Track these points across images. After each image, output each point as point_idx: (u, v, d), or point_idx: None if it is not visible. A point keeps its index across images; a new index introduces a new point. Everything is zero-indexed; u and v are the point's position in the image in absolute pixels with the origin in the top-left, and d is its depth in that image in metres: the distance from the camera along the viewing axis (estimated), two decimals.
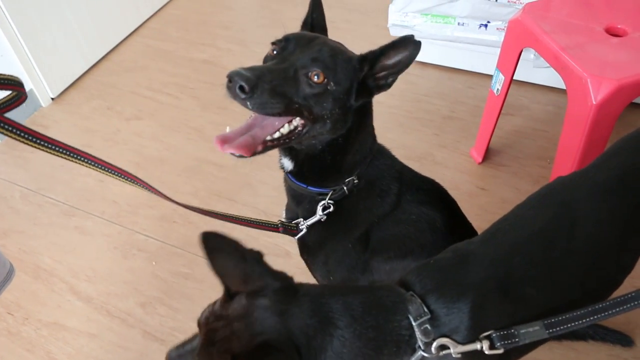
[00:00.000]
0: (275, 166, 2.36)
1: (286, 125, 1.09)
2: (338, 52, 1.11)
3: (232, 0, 3.43)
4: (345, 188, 1.23)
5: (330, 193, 1.24)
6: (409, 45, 1.11)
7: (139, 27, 3.26)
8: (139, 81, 2.91)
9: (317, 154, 1.19)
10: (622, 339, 1.68)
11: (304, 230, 1.29)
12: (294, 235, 1.31)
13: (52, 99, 2.87)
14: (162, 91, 2.83)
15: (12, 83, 0.89)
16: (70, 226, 2.28)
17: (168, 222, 2.22)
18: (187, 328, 1.89)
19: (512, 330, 0.90)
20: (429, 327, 0.90)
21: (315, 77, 1.07)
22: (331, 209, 1.24)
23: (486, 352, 0.89)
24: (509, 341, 0.90)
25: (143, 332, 1.91)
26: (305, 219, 1.29)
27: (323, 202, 1.24)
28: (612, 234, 1.07)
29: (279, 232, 1.30)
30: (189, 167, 2.43)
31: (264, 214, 2.16)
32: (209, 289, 1.95)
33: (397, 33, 2.53)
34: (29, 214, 2.35)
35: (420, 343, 0.90)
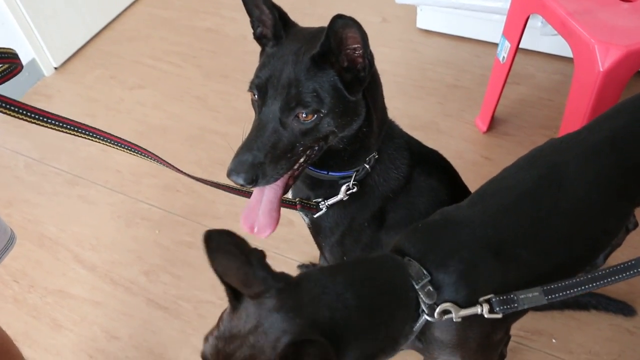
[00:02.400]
0: None
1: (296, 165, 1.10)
2: (310, 73, 1.04)
3: None
4: (367, 166, 1.21)
5: (355, 174, 1.21)
6: (345, 24, 0.99)
7: None
8: (141, 50, 2.88)
9: (342, 148, 1.16)
10: (624, 309, 1.68)
11: (324, 210, 1.26)
12: (313, 214, 1.28)
13: (55, 68, 2.85)
14: (165, 60, 2.80)
15: (5, 56, 0.88)
16: (74, 195, 2.29)
17: (171, 191, 2.21)
18: (190, 296, 1.90)
19: (512, 296, 0.91)
20: (431, 289, 0.91)
21: (303, 115, 1.04)
22: (355, 190, 1.21)
23: (485, 316, 0.91)
24: (508, 306, 0.91)
25: (147, 299, 1.92)
26: (326, 199, 1.26)
27: (347, 184, 1.21)
28: (598, 196, 1.08)
29: (296, 209, 1.27)
30: (192, 135, 2.42)
31: None
32: None
33: (402, 1, 2.49)
34: (33, 183, 2.36)
35: (424, 307, 0.90)
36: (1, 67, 0.91)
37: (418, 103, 2.39)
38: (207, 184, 1.26)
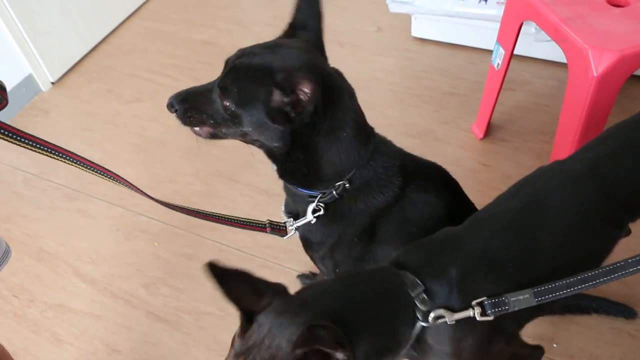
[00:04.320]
0: None
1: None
2: (247, 75, 1.10)
3: None
4: (334, 192, 1.20)
5: (319, 196, 1.21)
6: (308, 78, 1.03)
7: (137, 9, 3.23)
8: (138, 63, 2.89)
9: (285, 162, 1.19)
10: (625, 312, 1.68)
11: (293, 232, 1.29)
12: (282, 235, 1.31)
13: (52, 83, 2.86)
14: (162, 73, 2.81)
15: None
16: (73, 209, 2.29)
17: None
18: (191, 308, 1.90)
19: (503, 298, 0.94)
20: (425, 297, 0.95)
21: (225, 103, 1.13)
22: (321, 212, 1.22)
23: (477, 319, 0.93)
24: (500, 308, 0.94)
25: (147, 312, 1.92)
26: (295, 219, 1.29)
27: (312, 205, 1.22)
28: (581, 223, 1.10)
29: (266, 232, 1.31)
30: (190, 148, 2.41)
31: (265, 194, 2.16)
32: None
33: (396, 9, 2.50)
34: (32, 198, 2.36)
35: (419, 314, 0.94)
36: None
37: (414, 111, 2.40)
38: (191, 214, 1.37)
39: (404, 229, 1.24)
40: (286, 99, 1.06)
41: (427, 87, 2.51)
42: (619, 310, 1.68)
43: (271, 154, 1.20)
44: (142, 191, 1.28)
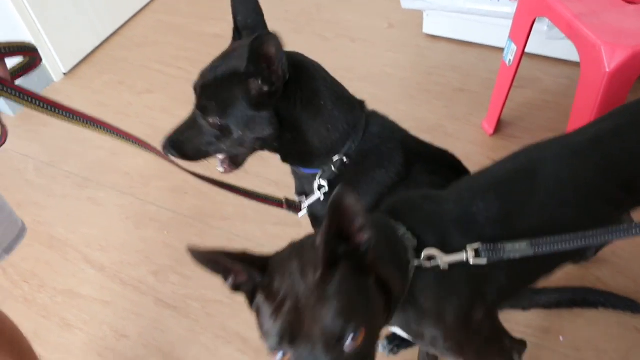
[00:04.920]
0: None
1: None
2: (218, 86, 1.16)
3: None
4: (333, 168, 1.23)
5: (320, 173, 1.25)
6: (269, 39, 1.07)
7: (150, 2, 3.26)
8: (150, 56, 2.91)
9: (282, 146, 1.24)
10: (632, 306, 1.68)
11: (304, 211, 1.32)
12: (296, 212, 1.34)
13: (64, 73, 2.88)
14: (174, 65, 2.83)
15: (25, 49, 0.91)
16: (83, 197, 2.31)
17: (179, 193, 2.23)
18: (199, 295, 1.91)
19: (498, 245, 0.94)
20: (411, 236, 0.95)
21: (210, 120, 1.17)
22: (326, 189, 1.25)
23: (470, 262, 0.93)
24: (495, 253, 0.94)
25: (155, 299, 1.93)
26: (307, 197, 1.32)
27: (316, 182, 1.26)
28: (572, 195, 1.09)
29: (282, 208, 1.34)
30: None
31: (274, 185, 2.17)
32: None
33: (408, 6, 2.51)
34: (43, 186, 2.38)
35: (409, 254, 0.93)
36: (22, 61, 0.94)
37: (424, 107, 2.41)
38: (215, 184, 1.33)
39: None
40: (260, 80, 1.11)
41: (438, 83, 2.52)
42: (627, 305, 1.69)
43: (270, 146, 1.23)
44: (173, 162, 1.29)
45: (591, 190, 1.10)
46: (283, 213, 2.07)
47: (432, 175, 1.28)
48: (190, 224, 2.13)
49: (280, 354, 0.78)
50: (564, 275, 1.77)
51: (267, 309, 0.80)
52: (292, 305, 0.78)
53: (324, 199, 1.27)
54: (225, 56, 1.21)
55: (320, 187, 1.25)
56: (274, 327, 0.78)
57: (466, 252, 0.94)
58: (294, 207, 1.33)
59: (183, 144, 1.24)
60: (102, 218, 2.22)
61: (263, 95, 1.13)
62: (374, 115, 1.28)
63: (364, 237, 0.80)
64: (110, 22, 3.08)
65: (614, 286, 1.75)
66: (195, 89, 1.22)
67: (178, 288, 1.95)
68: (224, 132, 1.18)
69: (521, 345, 1.23)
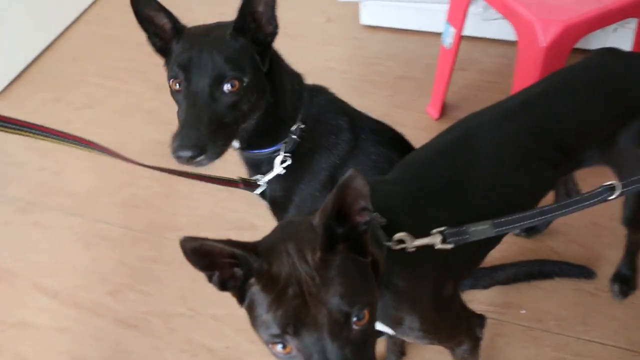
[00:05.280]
0: None
1: None
2: (227, 49, 1.13)
3: None
4: (294, 136, 1.26)
5: (283, 146, 1.26)
6: None
7: (82, 14, 3.17)
8: (86, 69, 2.83)
9: (256, 125, 1.23)
10: (585, 272, 1.74)
11: (264, 186, 1.31)
12: (253, 190, 1.32)
13: None
14: (112, 77, 2.76)
15: None
16: (29, 222, 2.22)
17: (129, 207, 2.18)
18: (159, 311, 1.87)
19: (463, 228, 0.95)
20: (379, 216, 0.94)
21: (229, 87, 1.12)
22: (289, 162, 1.26)
23: (437, 247, 0.94)
24: (460, 237, 0.95)
25: (115, 320, 1.88)
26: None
27: (279, 157, 1.26)
28: (509, 156, 1.13)
29: (239, 187, 1.31)
30: (148, 150, 2.36)
31: (226, 190, 2.08)
32: (178, 270, 1.93)
33: None
34: None
35: (380, 235, 0.93)
36: None
37: (369, 97, 2.41)
38: (167, 172, 1.26)
39: None
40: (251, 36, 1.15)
41: (380, 73, 2.53)
42: (580, 271, 1.74)
43: (245, 128, 1.22)
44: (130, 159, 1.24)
45: (527, 152, 1.14)
46: (237, 218, 2.06)
47: (378, 146, 1.33)
48: (143, 238, 2.08)
49: (280, 347, 0.74)
50: (519, 250, 1.80)
51: (265, 298, 0.76)
52: (296, 290, 0.74)
53: (285, 174, 1.28)
54: (207, 31, 1.19)
55: (283, 161, 1.26)
56: (275, 316, 0.74)
57: (433, 236, 0.95)
58: (251, 185, 1.32)
59: (207, 135, 1.10)
60: (50, 242, 2.14)
61: (260, 45, 1.17)
62: (315, 86, 1.34)
63: (365, 218, 0.79)
64: (41, 37, 2.97)
65: (567, 255, 1.79)
66: (190, 60, 1.14)
67: (137, 305, 1.90)
68: (242, 98, 1.14)
69: (482, 319, 1.26)
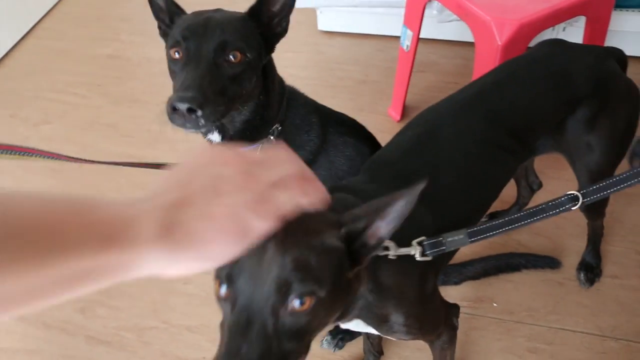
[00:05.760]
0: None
1: None
2: (236, 23, 1.14)
3: None
4: (272, 137, 1.27)
5: (260, 147, 1.24)
6: None
7: (32, 29, 3.10)
8: (41, 84, 2.77)
9: (245, 119, 1.23)
10: (551, 262, 1.79)
11: None
12: None
13: None
14: (69, 91, 2.71)
15: None
16: None
17: None
18: (132, 325, 1.84)
19: (440, 239, 0.96)
20: None
21: (232, 57, 1.11)
22: None
23: (417, 258, 0.94)
24: (437, 248, 0.96)
25: (86, 337, 1.84)
26: None
27: None
28: (472, 146, 1.16)
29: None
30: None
31: None
32: (148, 283, 1.90)
33: (301, 4, 2.50)
34: None
35: None
36: None
37: (331, 102, 2.39)
38: (121, 164, 1.24)
39: (333, 173, 1.33)
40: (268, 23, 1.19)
41: (341, 78, 2.56)
42: (546, 262, 1.79)
43: (235, 120, 1.23)
44: (79, 158, 1.20)
45: (487, 140, 1.17)
46: None
47: (345, 136, 1.38)
48: None
49: (224, 288, 0.68)
50: (488, 244, 1.84)
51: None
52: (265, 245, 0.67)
53: None
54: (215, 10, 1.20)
55: None
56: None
57: (414, 247, 0.95)
58: None
59: (208, 93, 1.07)
60: None
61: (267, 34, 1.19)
62: (289, 87, 1.36)
63: (381, 235, 0.76)
64: None
65: (534, 247, 1.85)
66: (192, 33, 1.12)
67: (108, 321, 1.87)
68: (244, 72, 1.14)
69: (456, 308, 1.29)
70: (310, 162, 1.31)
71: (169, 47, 1.15)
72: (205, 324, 1.77)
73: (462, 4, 1.69)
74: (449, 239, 0.96)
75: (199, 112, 1.04)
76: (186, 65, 1.10)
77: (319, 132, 1.32)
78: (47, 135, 2.52)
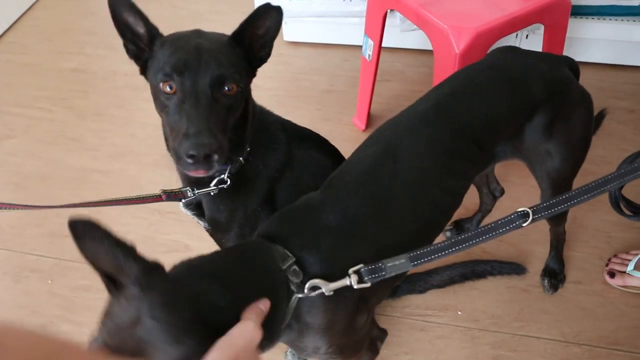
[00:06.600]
0: (162, 164, 2.30)
1: None
2: (227, 53, 1.11)
3: (94, 5, 3.29)
4: (241, 158, 1.24)
5: (229, 168, 1.23)
6: (270, 12, 1.13)
7: None
8: (4, 99, 2.73)
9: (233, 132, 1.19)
10: (516, 269, 1.80)
11: (192, 195, 1.25)
12: (180, 200, 1.27)
13: None
14: (33, 106, 2.67)
15: None
16: None
17: (58, 237, 2.11)
18: None
19: (380, 265, 0.94)
20: (297, 269, 0.93)
21: (227, 89, 1.08)
22: (228, 183, 1.23)
23: (355, 287, 0.93)
24: (376, 275, 0.94)
25: None
26: (196, 208, 1.32)
27: (222, 176, 1.22)
28: (431, 161, 1.14)
29: (162, 201, 1.25)
30: (74, 178, 2.32)
31: (157, 213, 2.11)
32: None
33: None
34: None
35: (292, 286, 0.92)
36: None
37: (296, 112, 2.44)
38: (79, 206, 1.21)
39: (298, 189, 1.29)
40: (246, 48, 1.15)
41: (306, 88, 2.56)
42: (511, 268, 1.80)
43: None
44: (22, 205, 1.17)
45: (448, 152, 1.15)
46: (170, 240, 2.03)
47: (308, 150, 1.37)
48: (75, 267, 2.01)
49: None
50: None
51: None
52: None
53: (229, 195, 1.26)
54: (198, 35, 1.16)
55: (220, 182, 1.22)
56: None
57: (349, 276, 0.94)
58: (175, 195, 1.26)
59: (218, 134, 1.05)
60: None
61: (259, 46, 1.17)
62: (260, 108, 1.34)
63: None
64: None
65: (498, 254, 1.86)
66: (183, 64, 1.08)
67: (72, 337, 1.81)
68: (236, 101, 1.11)
69: (383, 333, 1.29)
70: (276, 180, 1.29)
71: (158, 80, 1.09)
72: None
73: (420, 13, 1.71)
74: (389, 264, 0.94)
75: (215, 157, 1.02)
76: (183, 102, 1.06)
77: (285, 149, 1.30)
78: (10, 151, 2.48)
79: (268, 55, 1.19)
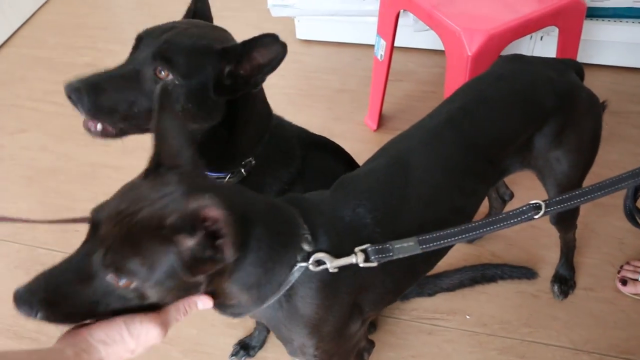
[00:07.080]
0: None
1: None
2: (189, 42, 1.07)
3: (107, 0, 3.32)
4: (242, 170, 1.21)
5: (228, 177, 1.21)
6: (275, 45, 1.08)
7: (10, 37, 3.08)
8: (18, 93, 2.75)
9: (202, 143, 1.14)
10: (527, 273, 1.78)
11: None
12: None
13: None
14: (46, 100, 2.69)
15: None
16: None
17: (70, 232, 2.11)
18: None
19: (387, 245, 0.93)
20: (309, 238, 0.93)
21: (161, 72, 1.04)
22: None
23: (360, 265, 0.92)
24: (384, 255, 0.93)
25: None
26: None
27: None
28: (442, 177, 1.12)
29: None
30: (85, 173, 2.33)
31: None
32: None
33: (278, 13, 2.53)
34: None
35: (299, 256, 0.91)
36: None
37: (308, 111, 2.43)
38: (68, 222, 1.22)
39: None
40: (233, 67, 1.08)
41: (318, 87, 2.56)
42: (522, 273, 1.78)
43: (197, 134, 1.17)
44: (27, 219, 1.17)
45: (457, 168, 1.14)
46: None
47: (322, 160, 1.34)
48: None
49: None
50: (462, 256, 1.84)
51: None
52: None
53: None
54: (196, 26, 1.14)
55: None
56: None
57: (355, 255, 0.92)
58: None
59: (104, 93, 1.07)
60: None
61: (230, 85, 1.09)
62: (278, 117, 1.30)
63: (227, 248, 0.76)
64: None
65: (508, 259, 1.84)
66: (140, 38, 1.09)
67: None
68: (175, 94, 1.07)
69: (371, 345, 1.27)
70: (286, 192, 1.25)
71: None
72: (178, 335, 1.75)
73: (433, 14, 1.69)
74: (397, 246, 0.93)
75: (80, 98, 1.07)
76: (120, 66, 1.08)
77: (298, 164, 1.26)
78: (23, 144, 2.50)
79: (256, 87, 1.12)
